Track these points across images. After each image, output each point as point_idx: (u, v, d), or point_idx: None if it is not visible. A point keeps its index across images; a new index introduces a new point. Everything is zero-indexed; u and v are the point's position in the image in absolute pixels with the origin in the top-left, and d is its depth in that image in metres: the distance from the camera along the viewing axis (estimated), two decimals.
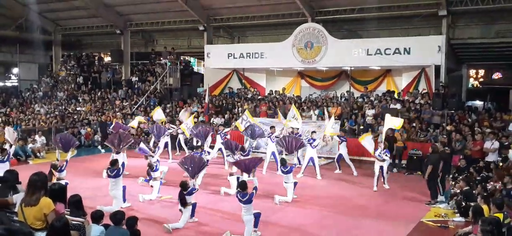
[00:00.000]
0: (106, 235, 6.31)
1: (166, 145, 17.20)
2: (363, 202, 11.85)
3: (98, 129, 22.03)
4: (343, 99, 21.61)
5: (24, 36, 29.59)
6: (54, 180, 10.20)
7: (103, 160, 17.09)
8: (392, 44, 19.75)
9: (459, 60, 24.40)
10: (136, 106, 24.28)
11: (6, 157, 12.41)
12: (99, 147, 20.87)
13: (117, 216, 6.52)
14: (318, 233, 9.29)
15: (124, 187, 10.74)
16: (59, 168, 10.86)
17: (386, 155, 13.21)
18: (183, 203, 9.22)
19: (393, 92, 20.86)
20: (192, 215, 9.65)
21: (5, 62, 32.37)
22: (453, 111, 17.94)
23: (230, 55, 23.65)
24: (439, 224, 9.94)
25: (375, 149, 13.53)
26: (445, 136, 15.50)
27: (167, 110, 23.39)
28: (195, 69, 33.28)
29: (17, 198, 5.84)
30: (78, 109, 25.42)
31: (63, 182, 9.40)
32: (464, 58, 24.92)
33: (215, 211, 10.67)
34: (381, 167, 13.09)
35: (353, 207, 11.42)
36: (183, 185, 9.31)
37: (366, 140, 13.91)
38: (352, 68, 21.52)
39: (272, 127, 16.38)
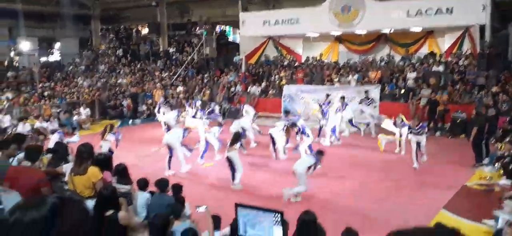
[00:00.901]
0: (152, 202, 6.51)
1: None
2: (406, 167, 11.66)
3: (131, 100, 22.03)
4: (383, 63, 21.12)
5: (64, 11, 30.31)
6: (107, 136, 10.69)
7: (143, 130, 17.54)
8: (434, 3, 18.95)
9: (504, 18, 23.18)
10: (175, 77, 24.61)
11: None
12: (130, 120, 20.60)
13: (161, 183, 6.71)
14: (355, 203, 9.05)
15: (170, 157, 11.07)
16: (114, 132, 11.18)
17: (423, 130, 11.68)
18: (234, 141, 9.90)
19: (436, 54, 20.18)
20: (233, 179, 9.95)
21: (47, 38, 33.31)
22: (499, 72, 17.24)
23: (265, 22, 23.40)
24: (484, 187, 9.70)
25: (403, 122, 12.95)
26: (490, 98, 14.96)
27: (205, 80, 23.59)
28: (231, 38, 33.23)
29: (66, 168, 6.09)
30: (119, 81, 26.01)
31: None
32: (510, 16, 23.67)
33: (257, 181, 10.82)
34: (418, 143, 11.57)
35: (395, 171, 11.28)
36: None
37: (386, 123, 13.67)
38: (392, 31, 20.90)
39: (327, 95, 16.15)
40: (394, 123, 13.39)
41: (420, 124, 11.75)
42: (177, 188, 6.85)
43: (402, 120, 13.11)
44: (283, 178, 10.10)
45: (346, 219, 7.20)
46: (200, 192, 9.46)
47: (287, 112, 14.17)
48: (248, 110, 15.93)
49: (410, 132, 11.76)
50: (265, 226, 4.35)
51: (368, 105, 16.04)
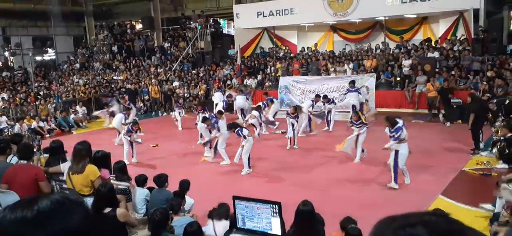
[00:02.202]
0: (151, 197, 6.54)
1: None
2: None
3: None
4: (378, 51, 21.11)
5: (58, 9, 30.10)
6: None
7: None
8: None
9: (499, 1, 23.21)
10: (170, 72, 24.55)
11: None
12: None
13: (160, 179, 6.72)
14: (353, 192, 9.11)
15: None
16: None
17: (401, 135, 8.76)
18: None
19: (431, 40, 20.17)
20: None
21: (42, 37, 33.15)
22: (494, 56, 17.26)
23: (259, 13, 23.33)
24: (481, 172, 9.75)
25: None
26: (485, 83, 15.00)
27: (201, 74, 23.53)
28: (225, 30, 33.08)
29: (64, 167, 6.08)
30: (114, 78, 25.92)
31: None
32: None
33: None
34: (396, 153, 8.87)
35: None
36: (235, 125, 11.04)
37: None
38: (387, 18, 20.87)
39: (351, 82, 16.05)
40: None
41: (395, 126, 8.82)
42: (187, 184, 6.87)
43: (359, 118, 10.89)
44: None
45: (344, 208, 7.24)
46: (203, 184, 9.47)
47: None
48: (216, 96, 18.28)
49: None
50: (263, 217, 4.38)
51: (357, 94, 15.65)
